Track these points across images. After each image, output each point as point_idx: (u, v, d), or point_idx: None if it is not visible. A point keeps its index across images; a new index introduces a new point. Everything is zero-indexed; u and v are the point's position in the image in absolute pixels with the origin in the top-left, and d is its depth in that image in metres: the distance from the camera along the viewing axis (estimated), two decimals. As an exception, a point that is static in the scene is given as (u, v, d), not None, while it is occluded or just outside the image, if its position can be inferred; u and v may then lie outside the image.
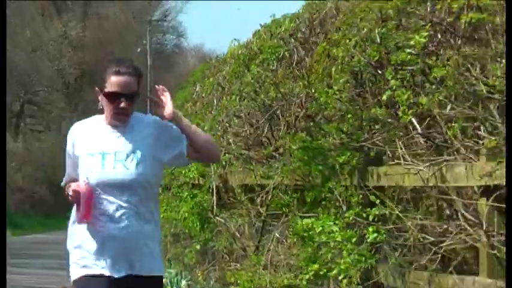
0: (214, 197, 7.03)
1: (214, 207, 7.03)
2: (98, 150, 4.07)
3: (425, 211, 4.65)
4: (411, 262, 4.78)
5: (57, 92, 40.99)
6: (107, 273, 3.97)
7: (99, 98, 4.08)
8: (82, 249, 4.04)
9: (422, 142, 4.63)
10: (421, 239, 4.56)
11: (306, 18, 6.49)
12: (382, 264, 4.95)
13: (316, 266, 4.63)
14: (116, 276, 3.96)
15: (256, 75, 6.70)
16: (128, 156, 4.03)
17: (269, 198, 5.83)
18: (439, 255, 4.49)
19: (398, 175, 4.70)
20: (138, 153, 4.02)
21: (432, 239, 4.54)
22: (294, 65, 5.94)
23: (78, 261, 4.04)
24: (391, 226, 4.66)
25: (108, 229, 3.96)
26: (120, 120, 4.05)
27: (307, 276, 5.02)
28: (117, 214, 3.96)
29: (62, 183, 4.27)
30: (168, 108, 3.95)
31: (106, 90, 4.01)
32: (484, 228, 4.14)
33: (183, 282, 7.37)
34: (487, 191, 4.12)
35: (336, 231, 4.60)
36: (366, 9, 5.45)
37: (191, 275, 7.51)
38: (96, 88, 4.06)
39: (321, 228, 4.61)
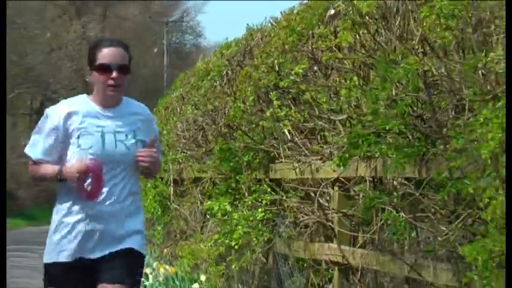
0: (171, 187, 8.75)
1: (171, 196, 8.74)
2: (97, 129, 4.19)
3: (303, 197, 6.32)
4: (299, 234, 6.45)
5: (75, 90, 42.91)
6: (88, 257, 4.17)
7: (90, 77, 4.22)
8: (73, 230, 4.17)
9: (302, 146, 6.30)
10: (297, 218, 6.25)
11: (243, 45, 8.20)
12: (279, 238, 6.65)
13: (216, 236, 6.37)
14: (96, 257, 4.17)
15: (206, 89, 8.43)
16: (127, 136, 4.20)
17: (205, 188, 7.55)
18: (309, 229, 6.17)
19: (286, 170, 6.37)
20: (133, 134, 4.21)
21: (305, 217, 6.22)
22: (228, 83, 7.66)
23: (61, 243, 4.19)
24: (277, 207, 6.35)
25: (102, 210, 4.14)
26: (112, 94, 4.17)
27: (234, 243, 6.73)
28: (113, 190, 4.14)
29: (36, 157, 4.21)
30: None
31: (97, 62, 4.15)
32: (335, 208, 5.81)
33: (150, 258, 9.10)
34: (336, 181, 5.77)
35: (229, 211, 6.33)
36: (275, 43, 7.15)
37: (158, 251, 9.25)
38: (88, 68, 4.23)
39: (217, 207, 6.34)
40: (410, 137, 4.67)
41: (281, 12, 7.73)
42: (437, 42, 4.76)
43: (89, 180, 4.08)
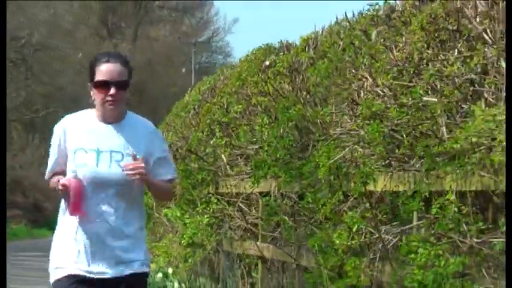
0: (154, 200, 10.75)
1: (154, 207, 10.72)
2: (92, 147, 4.10)
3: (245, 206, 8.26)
4: (241, 236, 8.40)
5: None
6: (89, 274, 4.10)
7: (91, 93, 4.13)
8: (69, 246, 4.14)
9: (243, 166, 8.24)
10: (234, 222, 8.22)
11: (211, 84, 10.22)
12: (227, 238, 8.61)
13: (170, 235, 8.40)
14: (101, 277, 4.09)
15: (183, 118, 10.49)
16: (123, 156, 4.08)
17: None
18: (242, 231, 8.13)
19: (228, 186, 8.35)
20: (131, 155, 4.06)
21: (242, 222, 8.18)
22: (195, 115, 9.67)
23: (61, 259, 4.15)
24: (219, 214, 8.33)
25: (96, 226, 4.07)
26: (111, 108, 4.07)
27: (184, 242, 8.70)
28: (108, 212, 4.07)
29: (46, 177, 4.27)
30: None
31: (95, 79, 4.07)
32: (259, 215, 7.76)
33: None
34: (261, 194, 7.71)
35: (178, 216, 8.36)
36: (229, 85, 9.14)
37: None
38: (89, 83, 4.14)
39: (170, 214, 8.38)
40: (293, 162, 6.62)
41: (240, 59, 9.70)
42: (313, 94, 6.74)
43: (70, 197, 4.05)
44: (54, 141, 4.23)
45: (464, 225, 4.59)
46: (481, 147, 4.32)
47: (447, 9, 5.07)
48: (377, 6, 6.74)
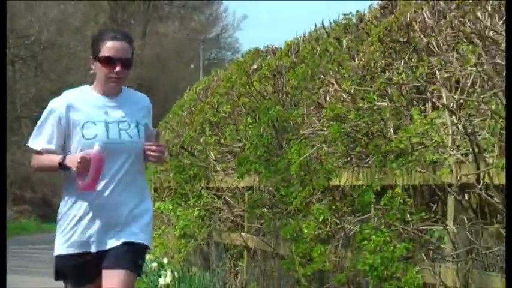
0: (152, 193, 11.44)
1: (152, 200, 11.41)
2: (99, 119, 4.24)
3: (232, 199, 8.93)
4: (229, 227, 9.07)
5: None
6: (97, 249, 4.26)
7: (92, 66, 4.27)
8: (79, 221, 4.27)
9: (230, 162, 8.90)
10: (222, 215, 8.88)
11: (205, 84, 10.90)
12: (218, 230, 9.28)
13: (163, 227, 9.10)
14: (103, 249, 4.25)
15: (180, 117, 11.19)
16: (130, 125, 4.26)
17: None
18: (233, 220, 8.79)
19: (217, 181, 9.02)
20: (137, 123, 4.27)
21: (229, 214, 8.85)
22: (189, 114, 10.36)
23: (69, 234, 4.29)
24: (210, 207, 9.00)
25: (106, 198, 4.21)
26: (114, 85, 4.23)
27: (177, 233, 9.38)
28: (116, 178, 4.21)
29: (39, 147, 4.27)
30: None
31: (101, 55, 4.19)
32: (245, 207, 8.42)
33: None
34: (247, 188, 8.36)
35: (171, 209, 9.05)
36: (222, 86, 9.80)
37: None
38: (90, 56, 4.28)
39: (163, 207, 9.08)
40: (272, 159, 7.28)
41: (229, 61, 10.35)
42: (291, 97, 7.39)
43: (89, 172, 4.10)
44: (51, 117, 4.24)
45: (408, 215, 5.24)
46: (419, 147, 4.98)
47: (400, 23, 5.71)
48: (350, 16, 7.39)
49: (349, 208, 6.23)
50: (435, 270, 4.99)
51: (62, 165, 4.20)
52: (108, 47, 4.19)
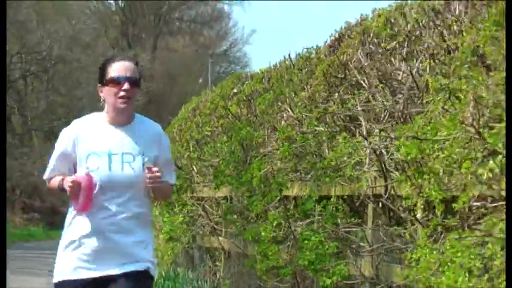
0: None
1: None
2: (104, 150, 4.25)
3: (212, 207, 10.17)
4: (209, 232, 10.30)
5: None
6: (97, 274, 4.25)
7: (101, 94, 4.32)
8: (80, 247, 4.29)
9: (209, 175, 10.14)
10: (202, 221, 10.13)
11: (195, 104, 12.18)
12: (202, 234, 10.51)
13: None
14: (104, 274, 4.25)
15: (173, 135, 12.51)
16: (134, 158, 4.24)
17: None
18: (212, 226, 10.03)
19: (199, 191, 10.27)
20: (143, 156, 4.25)
21: (207, 221, 10.09)
22: (179, 132, 11.64)
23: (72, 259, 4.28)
24: (192, 214, 10.24)
25: (107, 227, 4.22)
26: (124, 106, 4.24)
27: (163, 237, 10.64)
28: (119, 212, 4.22)
29: (45, 177, 4.43)
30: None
31: (108, 76, 4.26)
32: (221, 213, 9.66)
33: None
34: (223, 197, 9.61)
35: (156, 216, 10.33)
36: (206, 107, 11.05)
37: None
38: (99, 85, 4.33)
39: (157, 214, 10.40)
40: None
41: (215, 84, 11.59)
42: (259, 119, 8.64)
43: (80, 195, 4.19)
44: (61, 145, 4.35)
45: (339, 219, 6.46)
46: (345, 165, 6.21)
47: (339, 61, 6.95)
48: (311, 50, 8.62)
49: (301, 214, 7.46)
50: (357, 263, 6.21)
51: (60, 188, 4.33)
52: (114, 68, 4.29)
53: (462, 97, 4.58)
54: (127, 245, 4.26)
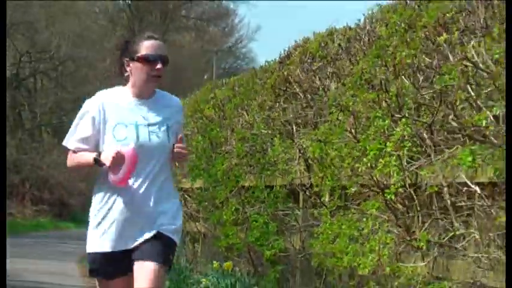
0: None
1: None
2: (131, 122, 4.33)
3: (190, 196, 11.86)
4: (190, 218, 11.99)
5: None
6: (123, 247, 4.37)
7: (127, 68, 4.38)
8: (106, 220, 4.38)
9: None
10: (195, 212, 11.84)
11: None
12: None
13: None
14: (130, 247, 4.36)
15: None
16: (160, 128, 4.36)
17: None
18: (190, 213, 11.74)
19: (183, 182, 11.95)
20: (166, 126, 4.39)
21: (185, 208, 11.79)
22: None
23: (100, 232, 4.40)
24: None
25: (134, 197, 4.30)
26: (154, 84, 4.36)
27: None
28: (147, 180, 4.31)
29: (69, 145, 4.43)
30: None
31: (140, 54, 4.31)
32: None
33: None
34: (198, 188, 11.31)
35: None
36: (189, 109, 12.73)
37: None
38: (126, 59, 4.37)
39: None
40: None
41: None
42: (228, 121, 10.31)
43: (123, 167, 4.22)
44: (85, 116, 4.37)
45: (279, 204, 8.14)
46: (281, 161, 7.89)
47: (283, 76, 8.62)
48: (271, 62, 10.28)
49: (256, 201, 9.15)
50: (291, 239, 7.88)
51: (96, 161, 4.33)
52: (147, 46, 4.33)
53: (348, 111, 6.25)
54: (155, 213, 4.33)
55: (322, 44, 8.24)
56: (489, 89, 4.60)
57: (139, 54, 4.33)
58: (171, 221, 4.41)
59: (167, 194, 4.44)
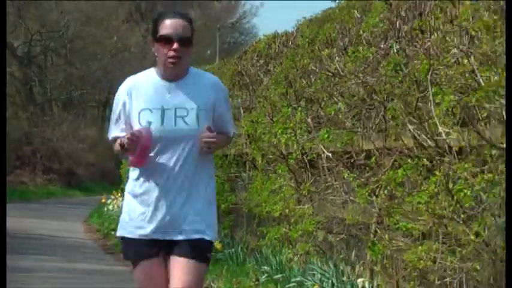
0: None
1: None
2: (156, 106, 4.17)
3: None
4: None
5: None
6: (153, 236, 4.22)
7: (153, 49, 4.23)
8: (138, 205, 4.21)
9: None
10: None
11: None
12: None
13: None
14: (162, 238, 4.21)
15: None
16: (188, 112, 4.16)
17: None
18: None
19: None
20: (197, 109, 4.16)
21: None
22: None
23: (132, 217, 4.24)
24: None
25: (163, 184, 4.13)
26: (172, 66, 4.14)
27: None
28: (175, 168, 4.14)
29: (111, 137, 4.35)
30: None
31: (159, 34, 4.14)
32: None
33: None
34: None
35: None
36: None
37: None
38: (151, 38, 4.21)
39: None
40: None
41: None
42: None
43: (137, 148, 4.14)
44: (118, 105, 4.30)
45: (232, 169, 10.75)
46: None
47: (238, 69, 11.19)
48: (236, 57, 12.85)
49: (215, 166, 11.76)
50: (240, 194, 10.52)
51: (121, 145, 4.21)
52: (166, 25, 4.17)
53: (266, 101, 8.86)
54: (180, 206, 4.19)
55: (267, 46, 10.81)
56: (341, 89, 7.17)
57: (158, 34, 4.20)
58: (208, 221, 4.29)
59: (202, 181, 4.27)
